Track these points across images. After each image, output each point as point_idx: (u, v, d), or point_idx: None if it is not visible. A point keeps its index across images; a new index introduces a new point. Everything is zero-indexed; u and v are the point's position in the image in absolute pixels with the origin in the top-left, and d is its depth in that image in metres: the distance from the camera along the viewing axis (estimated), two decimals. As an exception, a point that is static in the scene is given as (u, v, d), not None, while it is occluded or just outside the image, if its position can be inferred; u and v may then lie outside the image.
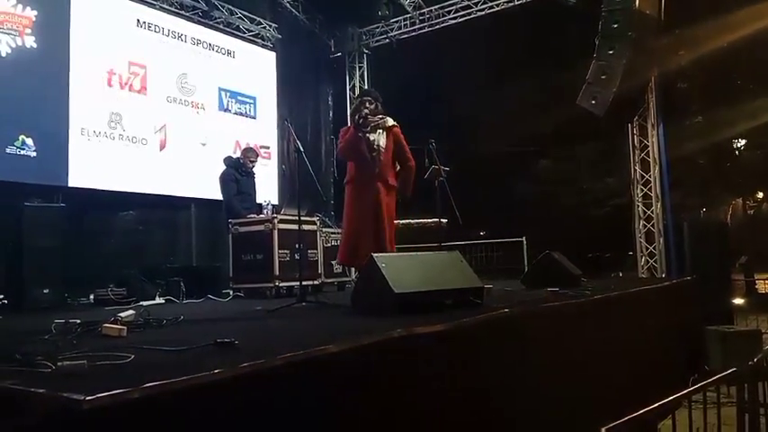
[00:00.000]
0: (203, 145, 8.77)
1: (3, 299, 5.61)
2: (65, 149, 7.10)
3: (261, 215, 6.50)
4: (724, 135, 15.15)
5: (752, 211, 18.06)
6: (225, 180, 6.97)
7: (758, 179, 16.22)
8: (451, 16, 10.60)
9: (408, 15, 10.92)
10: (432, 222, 7.46)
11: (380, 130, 5.10)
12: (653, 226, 9.49)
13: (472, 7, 10.37)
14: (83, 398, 1.45)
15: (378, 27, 11.36)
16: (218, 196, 7.10)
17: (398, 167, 5.30)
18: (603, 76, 8.31)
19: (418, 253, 4.56)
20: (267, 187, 8.92)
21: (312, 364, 2.06)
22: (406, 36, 11.12)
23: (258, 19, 10.05)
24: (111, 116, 7.62)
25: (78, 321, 3.04)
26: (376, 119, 5.11)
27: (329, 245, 6.92)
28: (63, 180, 7.05)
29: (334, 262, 6.73)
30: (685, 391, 2.29)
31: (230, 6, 9.54)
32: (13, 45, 6.69)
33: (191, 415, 1.69)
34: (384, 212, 5.00)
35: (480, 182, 13.52)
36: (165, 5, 8.57)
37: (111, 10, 7.82)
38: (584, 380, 3.71)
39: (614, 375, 4.10)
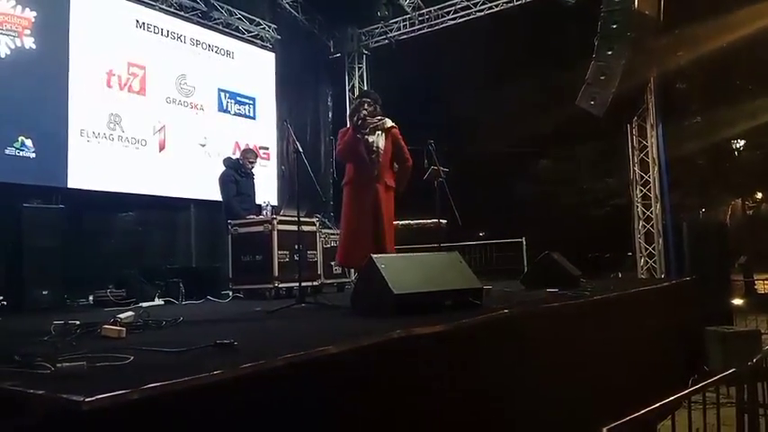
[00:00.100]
0: (202, 146, 8.77)
1: (2, 300, 5.61)
2: (64, 150, 7.10)
3: (260, 216, 6.50)
4: (723, 135, 15.18)
5: (751, 212, 18.09)
6: (224, 181, 6.97)
7: (757, 179, 16.26)
8: (451, 17, 10.60)
9: (408, 16, 10.92)
10: (431, 223, 7.47)
11: (379, 132, 5.09)
12: (652, 226, 9.49)
13: (471, 8, 10.37)
14: (82, 399, 1.45)
15: (377, 28, 11.36)
16: (218, 197, 7.10)
17: (396, 167, 5.29)
18: (602, 77, 8.32)
19: (417, 254, 4.56)
20: (266, 188, 8.91)
21: (312, 365, 2.06)
22: (405, 37, 11.13)
23: (257, 20, 10.05)
24: (111, 117, 7.62)
25: (78, 322, 3.03)
26: (375, 120, 5.09)
27: (328, 246, 6.92)
28: (62, 181, 7.05)
29: (333, 263, 6.73)
30: (685, 392, 2.29)
31: (229, 7, 9.54)
32: (13, 46, 6.68)
33: (190, 416, 1.69)
34: (384, 213, 5.00)
35: (480, 182, 13.53)
36: (164, 6, 8.57)
37: (111, 11, 7.82)
38: (584, 380, 3.71)
39: (614, 376, 4.10)
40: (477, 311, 3.41)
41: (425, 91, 12.63)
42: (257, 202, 7.24)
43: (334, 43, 11.67)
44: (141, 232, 8.05)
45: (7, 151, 6.55)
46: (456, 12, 10.54)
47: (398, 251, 5.36)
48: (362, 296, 3.79)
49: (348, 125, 5.20)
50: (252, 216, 6.54)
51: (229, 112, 9.32)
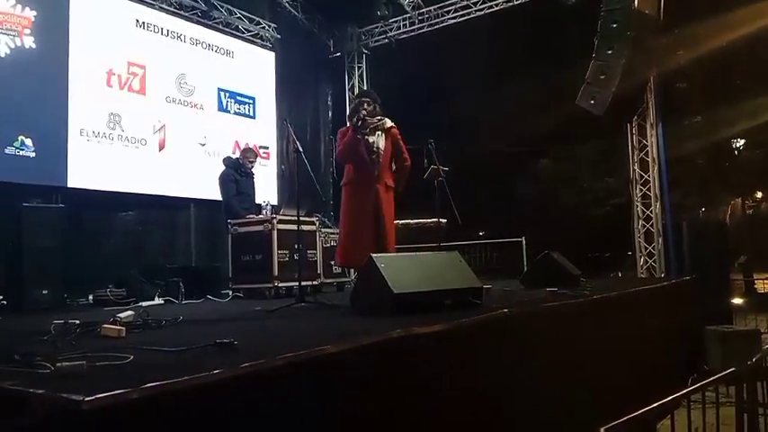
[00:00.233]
0: (202, 145, 8.77)
1: (2, 299, 5.61)
2: (64, 150, 7.10)
3: (260, 215, 6.50)
4: (723, 135, 15.18)
5: (751, 211, 18.09)
6: (224, 180, 6.97)
7: (757, 179, 16.26)
8: (450, 16, 10.60)
9: (407, 15, 10.92)
10: (431, 222, 7.47)
11: (379, 132, 5.08)
12: (652, 226, 9.49)
13: (471, 7, 10.37)
14: (82, 398, 1.45)
15: (377, 27, 11.36)
16: (218, 197, 7.10)
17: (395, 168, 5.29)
18: (602, 76, 8.31)
19: (417, 253, 4.56)
20: (266, 188, 8.92)
21: (311, 364, 2.06)
22: (405, 36, 11.13)
23: (257, 19, 10.05)
24: (111, 116, 7.62)
25: (77, 322, 3.03)
26: (375, 120, 5.09)
27: (328, 245, 6.92)
28: (62, 180, 7.05)
29: (333, 262, 6.73)
30: (684, 391, 2.29)
31: (229, 6, 9.54)
32: (12, 45, 6.68)
33: (190, 415, 1.69)
34: (385, 214, 5.00)
35: (480, 182, 13.54)
36: (164, 5, 8.56)
37: (111, 10, 7.82)
38: (583, 380, 3.72)
39: (613, 375, 4.10)
40: (477, 311, 3.41)
41: (425, 90, 12.63)
42: (257, 201, 7.24)
43: (334, 42, 11.66)
44: (141, 232, 8.05)
45: (7, 150, 6.55)
46: (456, 11, 10.53)
47: (398, 250, 5.35)
48: (362, 295, 3.79)
49: (348, 125, 5.18)
50: (252, 215, 6.54)
51: (229, 111, 9.32)
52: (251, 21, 9.95)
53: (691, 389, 2.35)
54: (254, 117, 9.72)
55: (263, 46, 10.14)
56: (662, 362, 5.20)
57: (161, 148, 8.22)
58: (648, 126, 9.56)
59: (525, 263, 9.91)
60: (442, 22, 10.68)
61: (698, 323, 6.27)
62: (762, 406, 2.92)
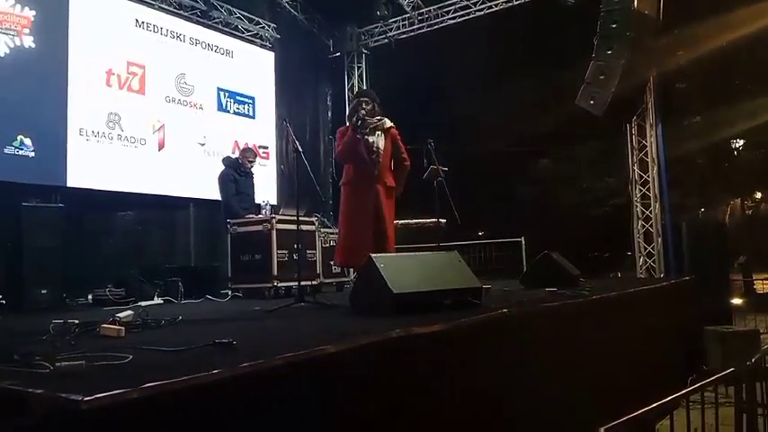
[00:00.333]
0: (202, 145, 8.77)
1: (1, 299, 5.61)
2: (63, 149, 7.10)
3: (259, 215, 6.50)
4: (722, 135, 15.18)
5: (750, 212, 18.10)
6: (223, 180, 6.97)
7: (756, 179, 16.26)
8: (450, 16, 10.60)
9: (407, 15, 10.91)
10: (430, 222, 7.47)
11: (379, 132, 5.08)
12: (651, 226, 9.50)
13: (471, 7, 10.37)
14: (81, 398, 1.45)
15: (377, 27, 11.36)
16: (217, 196, 7.09)
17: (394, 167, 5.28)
18: (602, 77, 8.31)
19: (417, 253, 4.56)
20: (266, 187, 8.91)
21: (311, 364, 2.06)
22: (404, 36, 11.13)
23: (257, 19, 10.05)
24: (110, 116, 7.61)
25: (77, 322, 3.03)
26: (374, 120, 5.08)
27: (327, 245, 6.92)
28: (61, 180, 7.04)
29: (332, 262, 6.73)
30: (683, 392, 2.29)
31: (229, 6, 9.53)
32: (12, 45, 6.68)
33: (189, 415, 1.69)
34: (385, 213, 4.99)
35: (479, 182, 13.54)
36: (163, 5, 8.56)
37: (110, 10, 7.81)
38: (583, 380, 3.72)
39: (613, 375, 4.10)
40: (477, 311, 3.41)
41: (425, 90, 12.64)
42: (256, 201, 7.24)
43: (334, 42, 11.66)
44: (140, 231, 8.05)
45: (6, 150, 6.55)
46: (455, 11, 10.54)
47: (398, 250, 5.35)
48: (361, 295, 3.79)
49: (347, 125, 5.17)
50: (251, 215, 6.54)
51: (229, 111, 9.32)
52: (250, 21, 9.95)
53: (690, 389, 2.35)
54: (253, 117, 9.72)
55: (262, 46, 10.14)
56: (661, 362, 5.20)
57: (160, 147, 8.22)
58: (648, 126, 9.56)
59: (525, 263, 9.91)
60: (442, 22, 10.68)
61: (697, 323, 6.28)
62: (761, 406, 2.92)
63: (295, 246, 5.90)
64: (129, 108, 7.83)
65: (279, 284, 5.99)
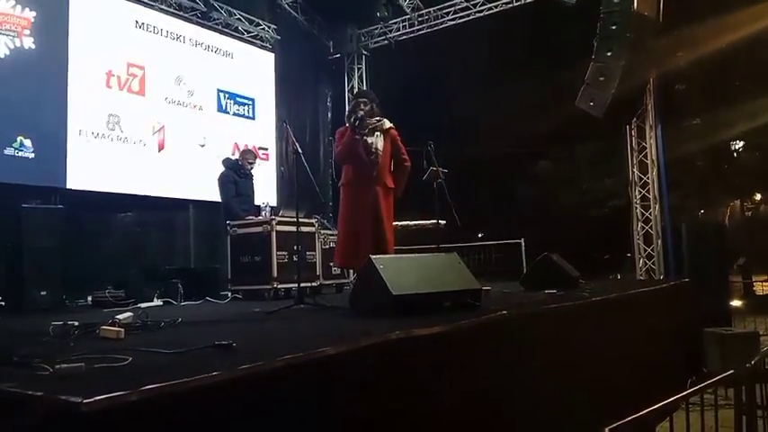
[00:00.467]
0: (202, 146, 8.77)
1: (1, 300, 5.61)
2: (63, 151, 7.10)
3: (259, 217, 6.50)
4: (722, 137, 15.18)
5: (750, 213, 18.09)
6: (223, 182, 6.96)
7: (756, 181, 16.25)
8: (450, 17, 10.61)
9: (407, 17, 10.93)
10: (430, 224, 7.48)
11: (378, 133, 5.07)
12: (651, 228, 9.50)
13: (471, 8, 10.38)
14: (81, 400, 1.45)
15: (377, 28, 11.37)
16: (217, 198, 7.09)
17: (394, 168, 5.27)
18: (602, 78, 8.32)
19: (416, 255, 4.56)
20: (265, 189, 8.91)
21: (310, 366, 2.06)
22: (404, 37, 11.14)
23: (257, 20, 10.05)
24: (110, 117, 7.61)
25: (76, 323, 3.03)
26: (373, 121, 5.06)
27: (327, 246, 6.91)
28: (61, 181, 7.04)
29: (332, 263, 6.72)
30: (683, 394, 2.29)
31: (229, 7, 9.54)
32: (12, 46, 6.68)
33: (189, 417, 1.69)
34: (384, 214, 4.98)
35: (479, 183, 13.55)
36: (163, 6, 8.57)
37: (110, 11, 7.82)
38: (583, 382, 3.72)
39: (612, 377, 4.10)
40: (476, 313, 3.41)
41: (425, 91, 12.64)
42: (256, 202, 7.24)
43: (334, 44, 11.67)
44: (140, 233, 8.05)
45: (6, 151, 6.55)
46: (455, 12, 10.55)
47: (397, 252, 5.35)
48: (361, 297, 3.79)
49: (346, 125, 5.16)
50: (251, 217, 6.54)
51: (228, 112, 9.32)
52: (250, 22, 9.95)
53: (689, 391, 2.35)
54: (253, 118, 9.72)
55: (262, 47, 10.14)
56: (661, 364, 5.20)
57: (160, 148, 8.22)
58: (648, 128, 9.56)
59: (524, 264, 9.91)
60: (442, 23, 10.69)
61: (696, 325, 6.27)
62: (760, 408, 2.92)
63: (295, 247, 5.90)
64: (128, 109, 7.83)
65: (278, 286, 5.98)
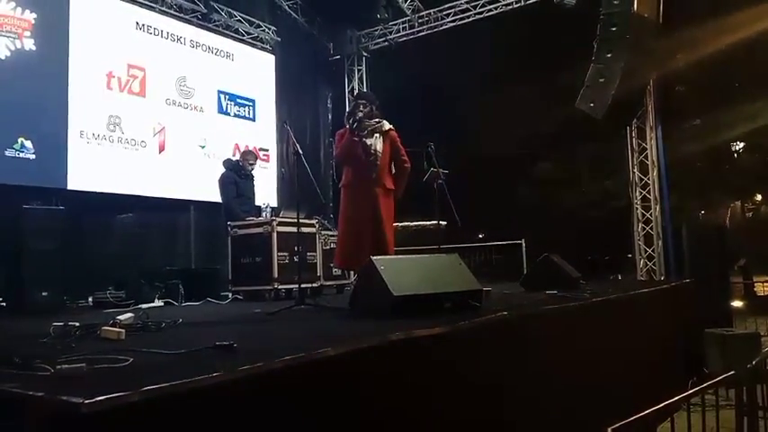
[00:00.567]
0: (202, 147, 8.77)
1: (2, 301, 5.62)
2: (64, 152, 7.10)
3: (260, 218, 6.50)
4: (722, 138, 15.17)
5: (750, 214, 18.09)
6: (224, 183, 6.97)
7: (756, 181, 16.25)
8: (450, 19, 10.62)
9: (407, 18, 10.94)
10: (430, 225, 7.48)
11: (377, 135, 5.07)
12: (652, 228, 9.50)
13: (471, 10, 10.39)
14: (82, 401, 1.45)
15: (377, 30, 11.38)
16: (218, 199, 7.10)
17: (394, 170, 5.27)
18: (602, 79, 8.32)
19: (417, 256, 4.56)
20: (266, 190, 8.92)
21: (311, 366, 2.06)
22: (404, 39, 11.15)
23: (257, 21, 10.06)
24: (110, 119, 7.62)
25: (77, 324, 3.03)
26: (372, 123, 5.06)
27: (328, 247, 6.91)
28: (62, 183, 7.05)
29: (332, 264, 6.73)
30: (684, 394, 2.29)
31: (229, 9, 9.55)
32: (13, 48, 6.69)
33: (190, 418, 1.69)
34: (383, 215, 4.97)
35: (479, 184, 13.52)
36: (163, 8, 8.58)
37: (110, 12, 7.82)
38: (583, 383, 3.72)
39: (613, 378, 4.10)
40: (477, 314, 3.41)
41: (425, 93, 12.63)
42: (257, 203, 7.24)
43: (334, 45, 11.67)
44: (141, 234, 8.04)
45: (7, 153, 6.55)
46: (455, 14, 10.56)
47: (398, 253, 5.35)
48: (362, 298, 3.79)
49: (345, 127, 5.16)
50: (251, 218, 6.54)
51: (229, 113, 9.32)
52: (251, 23, 9.96)
53: (690, 392, 2.36)
54: (253, 119, 9.73)
55: (262, 48, 10.14)
56: (661, 364, 5.20)
57: (161, 150, 8.23)
58: (648, 129, 9.57)
59: (525, 265, 9.90)
60: (442, 25, 10.70)
61: (697, 326, 6.27)
62: (761, 409, 2.92)
63: (295, 248, 5.90)
64: (129, 110, 7.84)
65: (279, 287, 5.98)
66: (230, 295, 6.29)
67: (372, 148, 5.01)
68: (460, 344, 2.85)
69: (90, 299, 6.02)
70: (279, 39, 10.38)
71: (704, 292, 6.63)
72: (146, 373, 1.95)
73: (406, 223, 8.23)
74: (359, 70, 11.65)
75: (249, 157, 7.33)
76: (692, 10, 10.79)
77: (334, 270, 6.95)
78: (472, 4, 10.37)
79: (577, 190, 16.48)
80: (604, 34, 8.27)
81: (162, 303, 5.79)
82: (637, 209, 9.63)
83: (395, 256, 4.76)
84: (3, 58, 6.60)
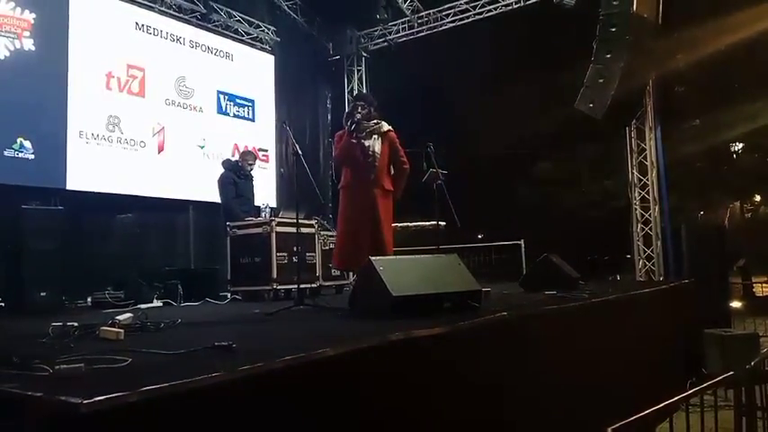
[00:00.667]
0: (201, 148, 8.77)
1: (0, 301, 5.61)
2: (63, 152, 7.10)
3: (259, 218, 6.49)
4: (722, 138, 15.17)
5: (749, 214, 18.09)
6: (223, 183, 6.97)
7: (756, 182, 16.25)
8: (450, 20, 10.63)
9: (407, 18, 10.94)
10: (430, 225, 7.48)
11: (376, 136, 5.06)
12: (651, 229, 9.50)
13: (470, 10, 10.39)
14: (80, 401, 1.45)
15: (376, 30, 11.38)
16: (217, 199, 7.10)
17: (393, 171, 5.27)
18: (601, 80, 8.33)
19: (416, 256, 4.56)
20: (265, 190, 8.92)
21: (310, 367, 2.06)
22: (404, 39, 11.15)
23: (257, 22, 10.06)
24: (110, 119, 7.62)
25: (76, 324, 3.03)
26: (371, 124, 5.05)
27: (327, 248, 6.90)
28: (61, 183, 7.05)
29: (331, 265, 6.72)
30: (683, 395, 2.29)
31: (229, 9, 9.55)
32: (12, 48, 6.69)
33: (189, 418, 1.69)
34: (382, 216, 4.97)
35: (478, 185, 13.51)
36: (163, 8, 8.58)
37: (110, 13, 7.82)
38: (583, 383, 3.72)
39: (612, 378, 4.10)
40: (476, 314, 3.41)
41: (424, 93, 12.63)
42: (256, 204, 7.24)
43: (334, 45, 11.67)
44: (140, 234, 8.05)
45: (6, 153, 6.56)
46: (455, 14, 10.56)
47: (397, 253, 5.35)
48: (361, 298, 3.79)
49: (344, 128, 5.16)
50: (251, 218, 6.54)
51: (228, 114, 9.32)
52: (250, 24, 9.96)
53: (689, 392, 2.35)
54: (253, 120, 9.73)
55: (262, 49, 10.15)
56: (660, 365, 5.20)
57: (160, 150, 8.23)
58: (647, 129, 9.57)
59: (524, 266, 9.90)
60: (442, 25, 10.71)
61: (696, 326, 6.28)
62: (760, 409, 2.92)
63: (295, 248, 5.90)
64: (128, 111, 7.84)
65: (278, 287, 5.98)
66: (229, 295, 6.29)
67: (371, 149, 5.01)
68: (460, 344, 2.85)
69: (89, 299, 6.01)
70: (278, 39, 10.38)
71: (703, 292, 6.63)
72: (145, 374, 1.95)
73: (406, 224, 8.24)
74: (358, 70, 11.65)
75: (248, 157, 7.33)
76: (692, 10, 10.80)
77: (333, 270, 6.94)
78: (472, 4, 10.37)
79: (577, 190, 16.47)
80: (604, 35, 8.28)
81: (161, 303, 5.79)
82: (636, 209, 9.63)
83: (394, 257, 4.75)
84: (2, 58, 6.60)
